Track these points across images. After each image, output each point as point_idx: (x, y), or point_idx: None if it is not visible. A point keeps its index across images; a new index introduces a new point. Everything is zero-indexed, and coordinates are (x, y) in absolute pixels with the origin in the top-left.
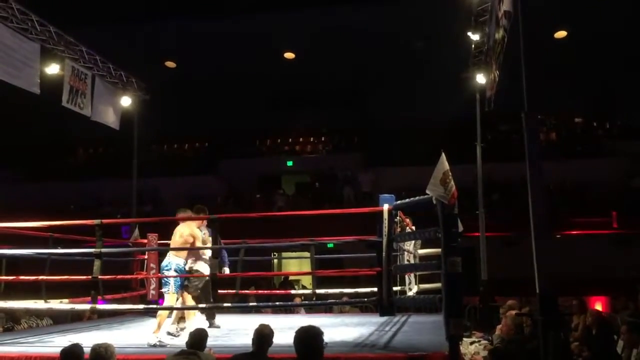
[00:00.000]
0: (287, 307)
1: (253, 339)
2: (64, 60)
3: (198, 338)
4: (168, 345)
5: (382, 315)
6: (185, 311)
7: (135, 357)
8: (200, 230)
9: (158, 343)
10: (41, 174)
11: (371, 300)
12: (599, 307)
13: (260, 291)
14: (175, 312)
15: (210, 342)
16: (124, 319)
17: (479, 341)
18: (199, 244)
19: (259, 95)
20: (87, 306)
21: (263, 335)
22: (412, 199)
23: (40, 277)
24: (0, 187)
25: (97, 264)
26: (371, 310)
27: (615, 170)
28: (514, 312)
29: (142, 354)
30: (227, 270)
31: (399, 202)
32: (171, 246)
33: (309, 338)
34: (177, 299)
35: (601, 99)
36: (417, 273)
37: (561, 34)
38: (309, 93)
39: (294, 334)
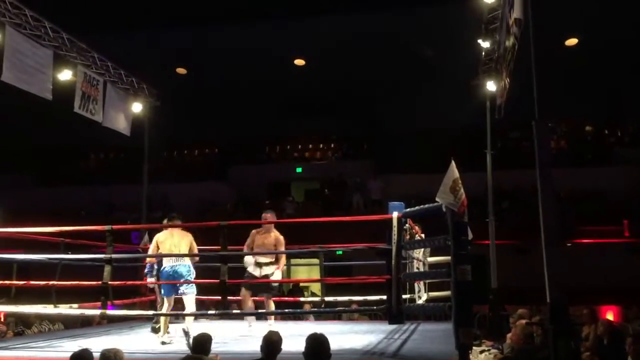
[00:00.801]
0: (296, 314)
1: (262, 346)
2: (76, 66)
3: (202, 342)
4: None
5: (391, 323)
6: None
7: None
8: None
9: (168, 341)
10: (52, 180)
11: (380, 308)
12: (610, 316)
13: (274, 298)
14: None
15: (218, 348)
16: (133, 324)
17: (489, 350)
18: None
19: (268, 102)
20: (96, 312)
21: (272, 342)
22: (421, 206)
23: (51, 282)
24: (12, 192)
25: (107, 269)
26: (380, 318)
27: (627, 178)
28: (524, 321)
29: (151, 359)
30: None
31: (408, 209)
32: (181, 252)
33: (318, 345)
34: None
35: (612, 107)
36: (427, 281)
37: (572, 41)
38: (318, 100)
39: (303, 341)
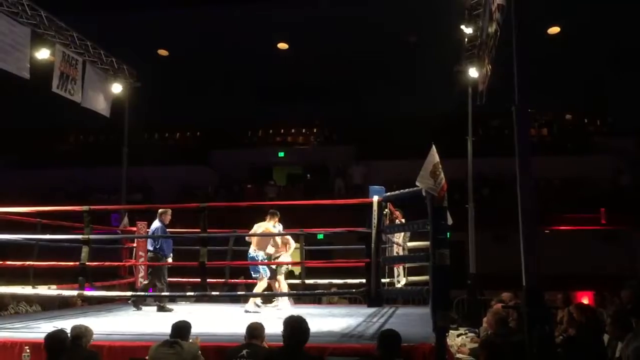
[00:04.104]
0: (275, 296)
1: (245, 336)
2: (54, 45)
3: (180, 329)
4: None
5: (370, 306)
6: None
7: (121, 344)
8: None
9: (252, 311)
10: (31, 161)
11: (359, 291)
12: (585, 301)
13: (249, 280)
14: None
15: (196, 330)
16: (112, 307)
17: (466, 333)
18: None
19: (251, 86)
20: (74, 292)
21: (253, 329)
22: (402, 191)
23: (28, 263)
24: None
25: (85, 250)
26: (359, 302)
27: (605, 167)
28: (499, 305)
29: (128, 341)
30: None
31: (388, 194)
32: (254, 239)
33: (297, 327)
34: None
35: (592, 96)
36: (406, 265)
37: (554, 30)
38: (301, 85)
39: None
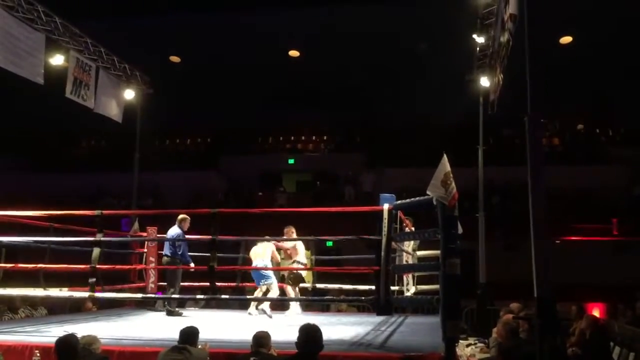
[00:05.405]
0: (284, 301)
1: (251, 345)
2: (68, 51)
3: (188, 334)
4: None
5: (379, 314)
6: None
7: (131, 350)
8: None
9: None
10: (44, 165)
11: (368, 299)
12: (596, 313)
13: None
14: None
15: (206, 336)
16: (122, 312)
17: (475, 343)
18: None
19: (262, 92)
20: (85, 294)
21: (259, 338)
22: (412, 199)
23: (39, 265)
24: (3, 177)
25: (96, 252)
26: (368, 310)
27: (617, 176)
28: (510, 315)
29: (138, 346)
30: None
31: (399, 202)
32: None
33: (311, 335)
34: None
35: (604, 106)
36: (416, 274)
37: (566, 39)
38: (312, 92)
39: (290, 331)
